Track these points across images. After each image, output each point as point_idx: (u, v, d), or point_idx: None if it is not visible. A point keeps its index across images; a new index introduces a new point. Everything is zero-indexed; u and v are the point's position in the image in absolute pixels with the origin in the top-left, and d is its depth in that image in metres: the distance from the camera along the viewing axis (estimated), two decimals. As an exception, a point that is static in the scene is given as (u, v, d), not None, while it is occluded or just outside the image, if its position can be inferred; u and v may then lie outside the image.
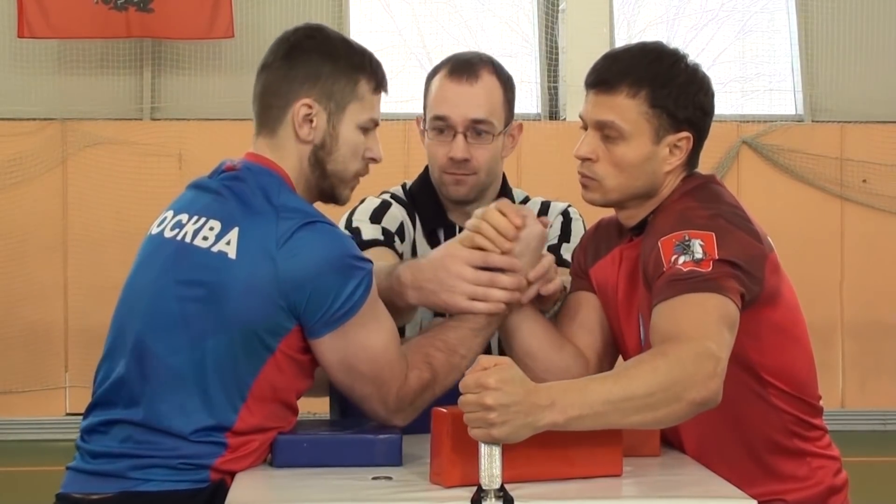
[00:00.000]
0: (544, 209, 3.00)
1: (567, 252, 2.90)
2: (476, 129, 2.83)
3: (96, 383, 2.43)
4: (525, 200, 3.01)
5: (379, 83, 2.48)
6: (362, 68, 2.45)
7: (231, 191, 2.38)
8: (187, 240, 2.35)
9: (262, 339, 2.29)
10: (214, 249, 2.31)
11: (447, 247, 2.53)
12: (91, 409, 2.41)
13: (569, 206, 3.03)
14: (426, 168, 2.98)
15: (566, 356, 2.55)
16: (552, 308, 2.63)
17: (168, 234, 2.40)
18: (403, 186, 3.03)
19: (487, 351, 2.74)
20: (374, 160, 2.50)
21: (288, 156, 2.43)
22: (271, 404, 2.35)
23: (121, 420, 2.34)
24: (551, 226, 2.91)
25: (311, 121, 2.41)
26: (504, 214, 2.47)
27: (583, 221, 2.99)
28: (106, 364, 2.42)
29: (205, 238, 2.33)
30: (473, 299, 2.45)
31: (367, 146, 2.47)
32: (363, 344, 2.33)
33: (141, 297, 2.40)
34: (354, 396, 2.40)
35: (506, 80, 2.91)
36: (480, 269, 2.46)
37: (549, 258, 2.55)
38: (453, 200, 2.89)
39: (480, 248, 2.46)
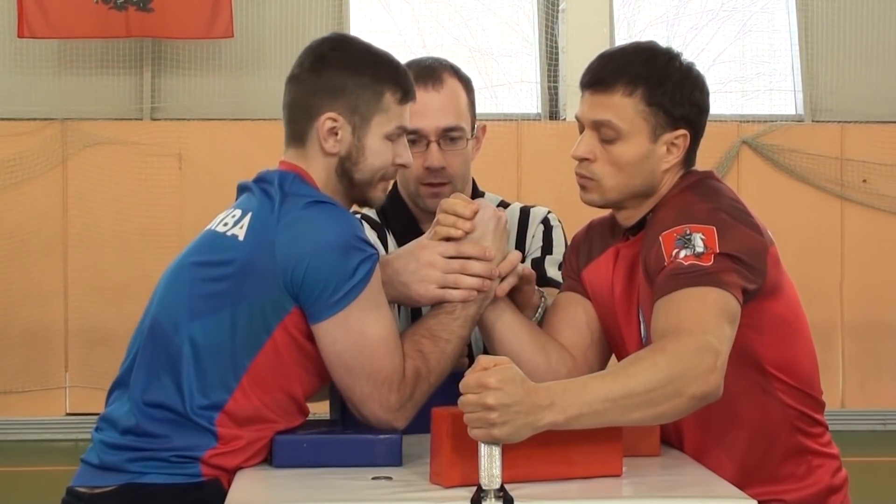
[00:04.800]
0: (524, 215, 2.98)
1: (551, 266, 2.89)
2: (448, 136, 2.83)
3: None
4: (503, 205, 2.99)
5: (406, 94, 2.50)
6: (387, 80, 2.47)
7: (258, 187, 2.45)
8: (212, 227, 2.45)
9: (260, 319, 2.32)
10: (229, 233, 2.39)
11: (415, 242, 2.54)
12: (110, 391, 2.49)
13: (549, 212, 3.00)
14: (394, 183, 2.97)
15: (549, 356, 2.55)
16: (532, 317, 2.64)
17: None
18: None
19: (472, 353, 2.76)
20: (405, 166, 2.55)
21: (315, 165, 2.47)
22: (273, 392, 2.36)
23: (128, 403, 2.39)
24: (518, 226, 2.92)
25: (336, 133, 2.45)
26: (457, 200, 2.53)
27: (562, 227, 2.99)
28: (131, 345, 2.48)
29: (225, 224, 2.42)
30: (445, 287, 2.46)
31: (397, 153, 2.51)
32: (363, 332, 2.34)
33: (163, 279, 2.49)
34: (355, 398, 2.39)
35: (467, 83, 2.90)
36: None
37: (517, 254, 2.56)
38: (431, 212, 2.79)
39: (447, 241, 2.49)
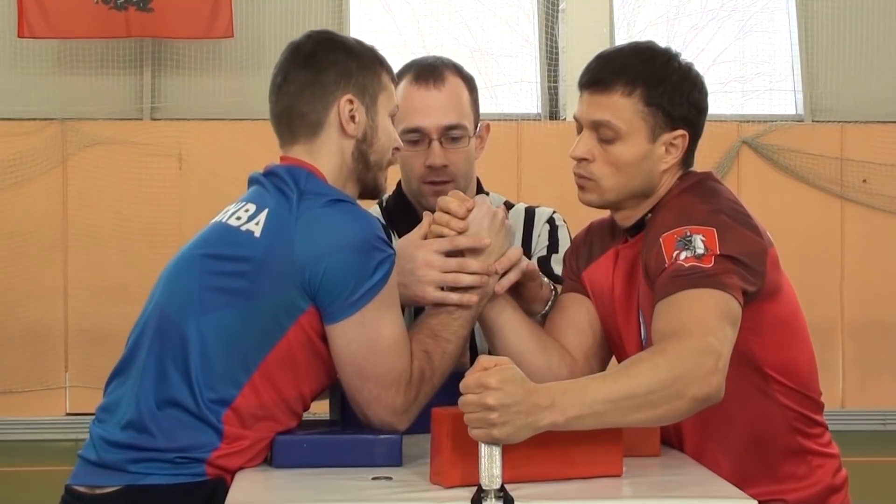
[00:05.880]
0: (529, 215, 2.98)
1: (556, 264, 2.89)
2: (450, 134, 2.84)
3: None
4: (507, 205, 2.98)
5: (393, 74, 2.56)
6: (379, 62, 2.53)
7: (270, 182, 2.44)
8: (223, 220, 2.43)
9: (274, 317, 2.31)
10: (243, 228, 2.37)
11: (408, 241, 2.54)
12: (109, 380, 2.47)
13: (554, 212, 3.01)
14: (399, 183, 2.96)
15: (551, 357, 2.55)
16: (543, 310, 2.64)
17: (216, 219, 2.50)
18: (380, 204, 3.01)
19: (474, 353, 2.75)
20: (398, 149, 2.57)
21: (327, 156, 2.47)
22: (283, 390, 2.35)
23: (130, 393, 2.37)
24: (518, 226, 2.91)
25: (354, 116, 2.47)
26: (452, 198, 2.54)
27: (567, 227, 2.99)
28: (132, 334, 2.47)
29: (238, 218, 2.40)
30: (443, 288, 2.46)
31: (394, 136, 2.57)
32: (378, 333, 2.33)
33: (168, 269, 2.48)
34: (362, 400, 2.38)
35: (469, 81, 2.91)
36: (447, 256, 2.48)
37: (517, 249, 2.55)
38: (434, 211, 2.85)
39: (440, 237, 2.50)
